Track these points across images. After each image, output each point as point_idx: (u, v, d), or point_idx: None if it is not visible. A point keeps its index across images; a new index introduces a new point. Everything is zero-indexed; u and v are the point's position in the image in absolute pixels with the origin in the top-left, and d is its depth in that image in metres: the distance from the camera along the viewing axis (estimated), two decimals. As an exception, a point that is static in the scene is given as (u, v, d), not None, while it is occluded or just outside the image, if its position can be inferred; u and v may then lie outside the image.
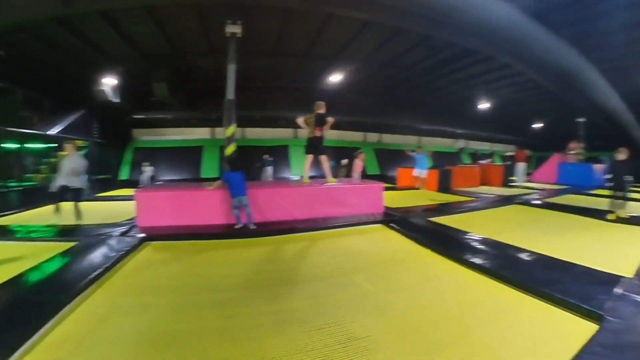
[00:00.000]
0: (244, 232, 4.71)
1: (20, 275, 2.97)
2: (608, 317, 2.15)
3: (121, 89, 11.15)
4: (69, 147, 5.51)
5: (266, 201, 5.29)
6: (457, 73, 12.28)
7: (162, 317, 2.34)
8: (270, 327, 2.15)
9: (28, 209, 7.30)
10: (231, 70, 6.37)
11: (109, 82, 10.65)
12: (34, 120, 10.41)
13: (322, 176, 6.15)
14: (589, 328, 2.10)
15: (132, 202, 7.98)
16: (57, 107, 10.88)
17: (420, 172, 8.07)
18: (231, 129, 6.10)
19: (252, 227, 4.81)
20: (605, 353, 1.80)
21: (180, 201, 5.14)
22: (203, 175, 13.00)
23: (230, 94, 6.28)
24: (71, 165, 5.31)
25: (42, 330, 2.11)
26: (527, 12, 7.61)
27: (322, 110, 5.70)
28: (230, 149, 6.05)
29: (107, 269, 3.25)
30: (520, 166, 10.62)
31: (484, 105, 15.13)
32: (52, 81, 10.93)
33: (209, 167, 13.28)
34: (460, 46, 9.36)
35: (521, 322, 2.23)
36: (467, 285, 2.96)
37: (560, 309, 2.40)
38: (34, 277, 3.00)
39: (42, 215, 6.65)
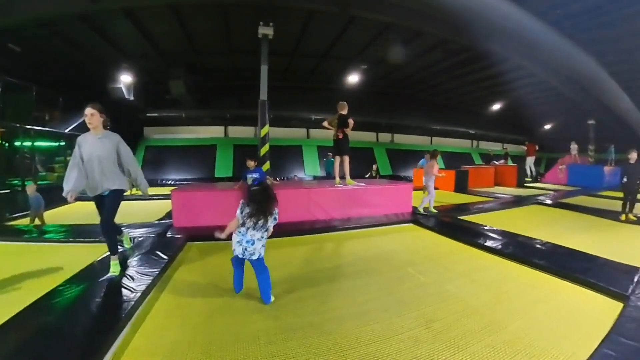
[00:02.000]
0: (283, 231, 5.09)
1: (75, 278, 3.05)
2: (632, 297, 2.69)
3: (136, 87, 11.53)
4: (92, 118, 3.07)
5: (304, 201, 5.72)
6: (472, 75, 12.80)
7: (248, 318, 2.53)
8: (356, 318, 2.48)
9: (45, 209, 7.33)
10: (264, 71, 6.78)
11: (124, 80, 11.03)
12: (48, 118, 10.74)
13: (335, 177, 6.38)
14: (615, 306, 2.64)
15: (151, 202, 8.47)
16: (70, 105, 11.18)
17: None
18: (265, 129, 6.53)
19: None
20: (631, 325, 2.29)
21: (217, 201, 5.39)
22: (217, 175, 13.35)
23: (263, 94, 6.70)
24: (98, 151, 3.12)
25: (120, 337, 2.18)
26: (545, 19, 8.14)
27: (344, 111, 5.95)
28: (264, 149, 6.48)
29: (164, 270, 3.41)
30: (529, 160, 11.45)
31: (495, 106, 15.74)
32: (66, 78, 11.23)
33: (223, 166, 13.65)
34: (477, 49, 9.88)
35: (561, 303, 2.75)
36: (508, 274, 3.46)
37: (592, 291, 2.97)
38: (91, 280, 3.04)
39: (63, 214, 6.99)
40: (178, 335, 2.29)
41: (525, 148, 11.97)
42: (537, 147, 12.24)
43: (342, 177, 6.28)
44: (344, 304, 2.75)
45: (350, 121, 5.93)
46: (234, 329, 2.37)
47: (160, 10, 8.05)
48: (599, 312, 2.59)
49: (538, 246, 4.21)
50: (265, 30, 6.73)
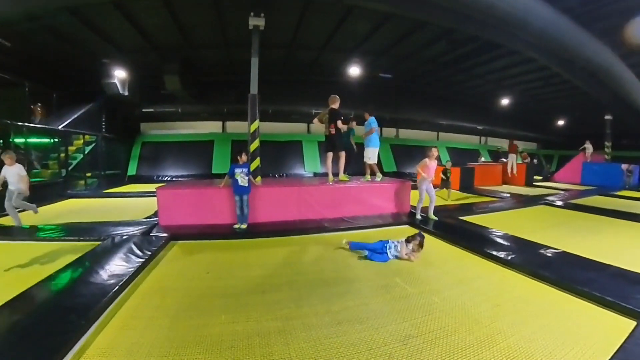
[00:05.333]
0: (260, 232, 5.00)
1: (51, 278, 3.08)
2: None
3: (130, 82, 11.50)
4: None
5: (294, 200, 5.59)
6: (479, 67, 12.45)
7: (216, 320, 2.48)
8: (328, 328, 2.36)
9: (37, 206, 7.52)
10: (254, 64, 6.62)
11: (118, 75, 11.00)
12: (42, 114, 10.78)
13: (328, 174, 6.24)
14: (627, 325, 2.37)
15: (145, 199, 8.46)
16: (64, 101, 11.21)
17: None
18: (255, 125, 6.40)
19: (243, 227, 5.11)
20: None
21: (204, 199, 5.38)
22: (214, 171, 13.27)
23: (253, 88, 6.56)
24: None
25: (83, 338, 2.18)
26: (556, 6, 7.78)
27: (335, 105, 5.79)
28: (254, 145, 6.36)
29: (140, 270, 3.40)
30: (512, 157, 12.38)
31: (505, 100, 15.35)
32: (60, 74, 11.28)
33: (221, 162, 13.57)
34: (483, 40, 9.56)
35: (561, 319, 2.50)
36: (506, 284, 3.25)
37: (599, 306, 2.69)
38: (65, 280, 3.07)
39: (53, 212, 6.97)
40: (140, 336, 2.27)
41: (509, 144, 12.93)
42: (518, 146, 13.10)
43: (336, 174, 6.12)
44: (318, 311, 2.64)
45: (339, 123, 5.77)
46: (198, 332, 2.33)
47: (150, 3, 7.94)
48: (605, 330, 2.36)
49: (540, 252, 3.99)
50: (256, 22, 6.58)
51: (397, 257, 3.87)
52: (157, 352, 2.08)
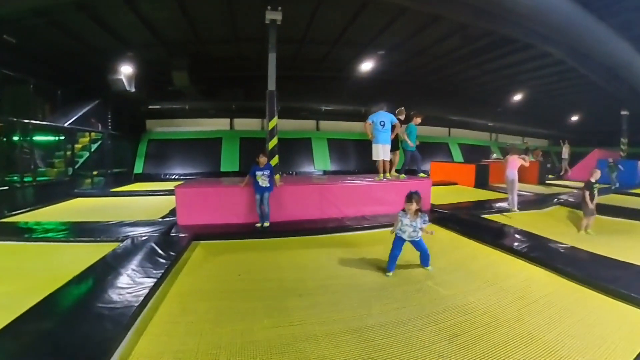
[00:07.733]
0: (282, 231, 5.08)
1: (74, 281, 3.04)
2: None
3: (137, 78, 11.49)
4: None
5: (316, 198, 5.67)
6: (492, 62, 12.43)
7: (258, 324, 2.50)
8: (373, 330, 2.42)
9: (45, 205, 7.61)
10: (271, 59, 6.66)
11: (125, 71, 10.99)
12: (47, 111, 10.81)
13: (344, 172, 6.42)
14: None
15: (154, 198, 8.51)
16: (70, 97, 11.21)
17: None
18: (273, 122, 6.47)
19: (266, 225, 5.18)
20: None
21: (224, 198, 5.43)
22: (222, 170, 13.33)
23: (271, 85, 6.60)
24: None
25: (121, 347, 2.13)
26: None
27: (402, 117, 6.42)
28: (272, 143, 6.42)
29: (168, 272, 3.39)
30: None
31: (517, 96, 15.32)
32: (65, 70, 11.28)
33: (229, 160, 13.63)
34: (498, 35, 9.55)
35: (590, 317, 2.64)
36: (536, 281, 3.38)
37: (626, 303, 2.83)
38: (90, 283, 3.04)
39: (63, 212, 7.00)
40: (184, 342, 2.27)
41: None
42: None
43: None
44: (359, 314, 2.69)
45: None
46: (243, 337, 2.33)
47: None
48: (633, 326, 2.50)
49: (563, 251, 4.09)
50: (273, 15, 6.57)
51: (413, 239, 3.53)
52: (206, 359, 2.08)
